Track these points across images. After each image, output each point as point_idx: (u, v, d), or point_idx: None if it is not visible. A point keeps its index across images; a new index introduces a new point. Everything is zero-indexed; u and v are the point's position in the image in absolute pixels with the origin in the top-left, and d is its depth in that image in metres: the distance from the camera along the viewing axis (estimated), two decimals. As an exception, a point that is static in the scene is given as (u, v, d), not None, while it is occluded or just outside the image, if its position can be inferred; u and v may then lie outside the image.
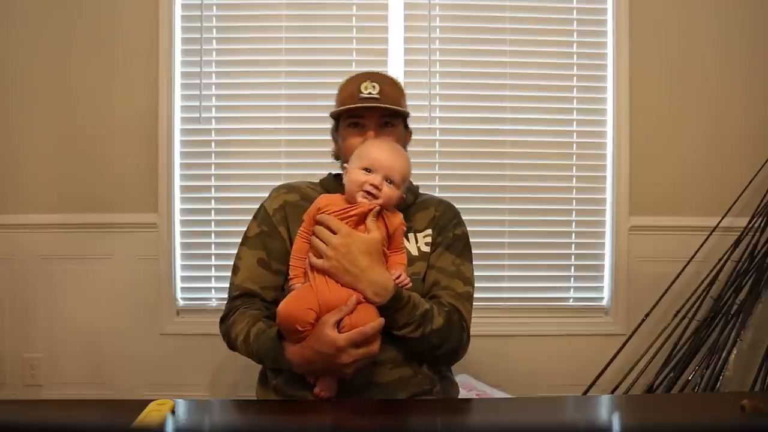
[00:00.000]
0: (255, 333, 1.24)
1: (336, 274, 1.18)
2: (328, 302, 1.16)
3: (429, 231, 1.39)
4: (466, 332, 1.33)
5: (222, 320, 1.35)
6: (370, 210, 1.22)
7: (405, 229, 1.30)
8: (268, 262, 1.35)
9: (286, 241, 1.35)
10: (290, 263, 1.25)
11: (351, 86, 1.37)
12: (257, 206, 1.45)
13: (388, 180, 1.23)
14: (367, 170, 1.23)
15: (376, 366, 1.22)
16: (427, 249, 1.37)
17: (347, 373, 1.15)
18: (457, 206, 2.38)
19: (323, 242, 1.20)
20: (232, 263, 1.40)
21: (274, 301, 1.30)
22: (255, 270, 1.35)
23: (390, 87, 1.38)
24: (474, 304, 2.33)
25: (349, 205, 1.23)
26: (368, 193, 1.22)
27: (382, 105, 1.33)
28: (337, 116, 1.42)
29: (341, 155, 1.40)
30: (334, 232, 1.20)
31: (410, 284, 1.25)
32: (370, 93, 1.33)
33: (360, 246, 1.18)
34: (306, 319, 1.15)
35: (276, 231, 1.37)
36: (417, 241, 1.37)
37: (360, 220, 1.22)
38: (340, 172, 1.41)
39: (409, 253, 1.32)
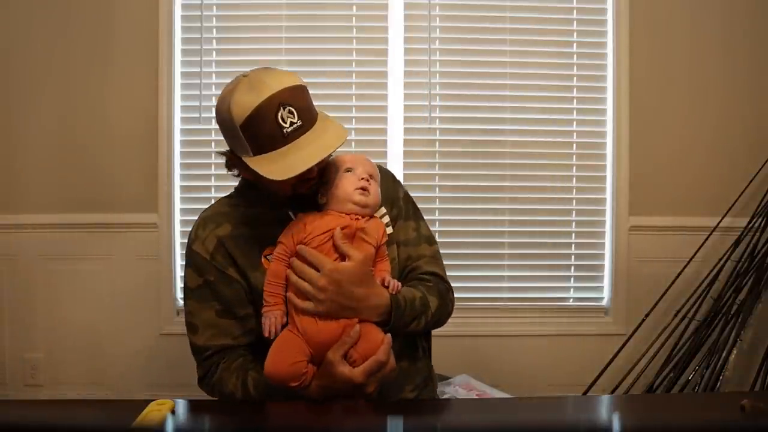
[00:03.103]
0: (253, 385, 1.17)
1: (334, 314, 1.11)
2: (322, 342, 1.10)
3: (383, 209, 1.29)
4: (451, 291, 1.34)
5: (201, 380, 1.25)
6: (356, 228, 1.16)
7: (386, 239, 1.23)
8: (230, 310, 1.22)
9: (241, 282, 1.22)
10: (265, 288, 1.15)
11: (265, 122, 1.11)
12: None
13: (370, 175, 1.23)
14: (349, 168, 1.22)
15: None
16: (389, 230, 1.28)
17: (371, 394, 1.12)
18: (457, 206, 2.42)
19: (307, 282, 1.11)
20: None
21: (251, 343, 1.23)
22: (217, 323, 1.22)
23: (303, 101, 1.15)
24: (474, 304, 2.35)
25: (328, 229, 1.16)
26: (363, 189, 1.19)
27: (330, 150, 1.14)
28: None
29: (266, 186, 1.19)
30: (315, 268, 1.12)
31: (400, 286, 1.20)
32: (292, 123, 1.12)
33: (350, 278, 1.11)
34: (297, 373, 1.09)
35: (225, 276, 1.21)
36: None
37: (351, 237, 1.16)
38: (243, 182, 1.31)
39: None
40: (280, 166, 1.11)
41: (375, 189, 1.22)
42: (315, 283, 1.10)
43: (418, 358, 1.29)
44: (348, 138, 2.37)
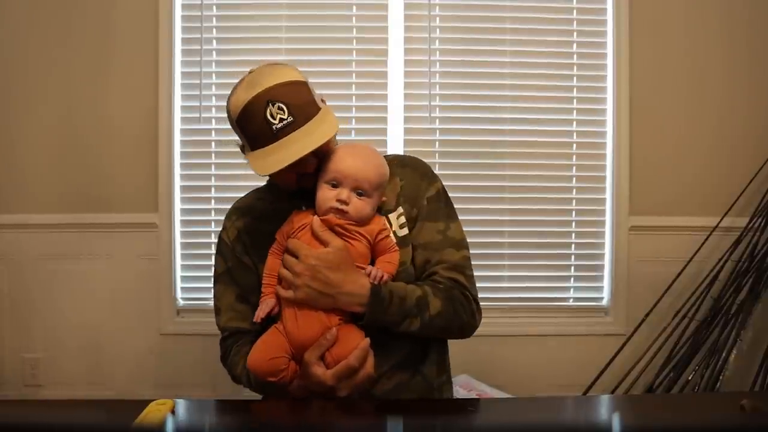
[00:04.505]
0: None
1: (312, 302, 1.10)
2: (301, 341, 1.11)
3: (400, 209, 1.25)
4: (473, 302, 1.25)
5: (221, 359, 1.31)
6: (335, 224, 1.14)
7: (388, 232, 1.19)
8: (246, 297, 1.27)
9: (254, 272, 1.26)
10: (263, 281, 1.19)
11: (255, 119, 1.12)
12: None
13: (358, 191, 1.14)
14: (334, 185, 1.15)
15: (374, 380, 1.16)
16: (404, 231, 1.24)
17: (350, 396, 1.11)
18: (457, 206, 2.39)
19: (288, 269, 1.12)
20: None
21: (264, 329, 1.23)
22: (237, 307, 1.28)
23: (297, 97, 1.14)
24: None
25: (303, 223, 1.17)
26: (337, 210, 1.13)
27: (311, 148, 1.10)
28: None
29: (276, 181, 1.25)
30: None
31: (386, 276, 1.15)
32: (282, 120, 1.11)
33: (326, 263, 1.10)
34: (275, 368, 1.11)
35: (241, 263, 1.28)
36: (392, 225, 1.24)
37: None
38: None
39: None
40: (266, 162, 1.12)
41: (357, 208, 1.14)
42: (293, 268, 1.11)
43: (424, 373, 1.23)
44: (348, 137, 2.36)
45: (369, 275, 1.14)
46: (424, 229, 1.25)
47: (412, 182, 1.28)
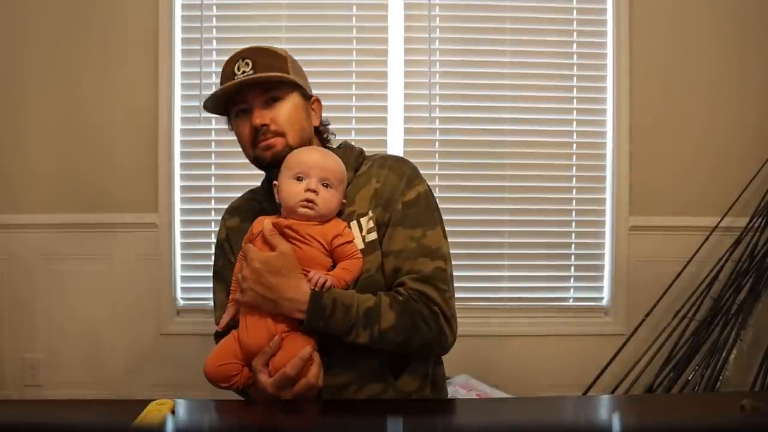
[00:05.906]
0: None
1: (258, 306, 1.10)
2: (250, 348, 1.11)
3: (371, 213, 1.18)
4: (441, 317, 1.14)
5: None
6: (284, 226, 1.13)
7: (348, 238, 1.15)
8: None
9: None
10: (231, 287, 1.21)
11: (227, 69, 1.21)
12: None
13: (324, 183, 1.14)
14: (300, 178, 1.14)
15: (339, 390, 1.14)
16: (372, 236, 1.17)
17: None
18: (457, 206, 2.41)
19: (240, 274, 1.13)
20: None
21: None
22: (225, 304, 1.26)
23: (267, 59, 1.20)
24: (474, 304, 2.34)
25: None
26: (307, 201, 1.12)
27: (253, 78, 1.16)
28: (225, 109, 1.26)
29: (242, 148, 1.26)
30: None
31: (329, 281, 1.10)
32: (244, 72, 1.17)
33: (268, 267, 1.09)
34: (225, 374, 1.13)
35: (229, 263, 1.28)
36: (362, 230, 1.18)
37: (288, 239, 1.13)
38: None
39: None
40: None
41: (325, 199, 1.13)
42: (242, 272, 1.12)
43: (395, 386, 1.17)
44: (348, 137, 2.36)
45: (309, 280, 1.10)
46: (396, 235, 1.18)
47: (389, 185, 1.21)
